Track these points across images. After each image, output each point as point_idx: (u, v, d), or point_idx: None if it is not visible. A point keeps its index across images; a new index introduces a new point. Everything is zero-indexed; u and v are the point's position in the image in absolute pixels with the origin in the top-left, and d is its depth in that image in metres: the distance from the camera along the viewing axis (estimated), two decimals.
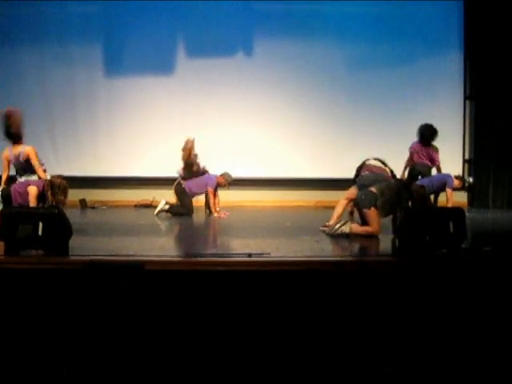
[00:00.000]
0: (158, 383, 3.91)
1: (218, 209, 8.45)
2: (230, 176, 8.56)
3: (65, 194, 6.07)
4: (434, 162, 8.59)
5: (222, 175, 8.55)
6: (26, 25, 9.91)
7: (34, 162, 6.20)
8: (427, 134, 8.49)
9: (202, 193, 8.58)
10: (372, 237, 5.84)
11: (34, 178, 6.32)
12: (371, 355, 3.96)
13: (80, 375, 3.84)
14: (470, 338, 4.02)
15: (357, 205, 6.05)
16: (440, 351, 3.97)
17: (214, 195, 8.51)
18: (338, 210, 6.31)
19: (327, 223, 6.24)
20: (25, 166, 6.27)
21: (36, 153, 6.32)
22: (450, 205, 8.05)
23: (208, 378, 3.86)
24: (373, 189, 5.92)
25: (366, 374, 3.89)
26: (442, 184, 8.32)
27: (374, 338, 4.01)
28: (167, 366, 3.90)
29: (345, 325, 4.04)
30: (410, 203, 5.93)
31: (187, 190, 8.41)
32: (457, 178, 8.59)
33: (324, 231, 6.14)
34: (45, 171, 6.40)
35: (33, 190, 5.99)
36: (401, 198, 5.86)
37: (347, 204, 6.31)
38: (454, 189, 8.48)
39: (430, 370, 3.91)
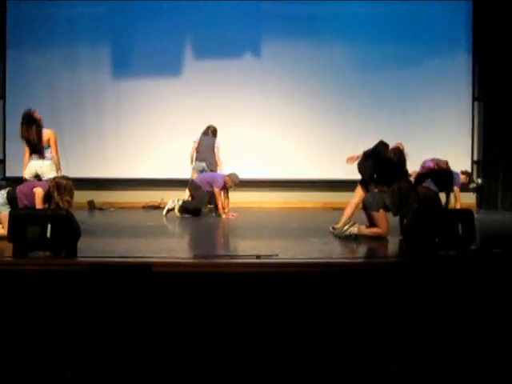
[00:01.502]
0: None
1: (226, 210, 8.45)
2: (236, 177, 8.53)
3: (71, 195, 6.06)
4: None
5: (228, 175, 8.54)
6: (33, 27, 9.96)
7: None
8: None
9: (208, 189, 8.53)
10: (380, 238, 5.83)
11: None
12: (377, 355, 3.95)
13: (84, 378, 3.84)
14: (479, 339, 4.00)
15: (365, 207, 6.04)
16: (448, 352, 3.95)
17: (226, 196, 8.52)
18: (348, 211, 6.30)
19: (335, 225, 6.23)
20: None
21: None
22: (458, 203, 7.98)
23: (218, 380, 3.85)
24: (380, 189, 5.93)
25: (371, 373, 3.88)
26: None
27: (382, 339, 4.00)
28: (173, 369, 3.90)
29: (352, 325, 4.03)
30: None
31: (199, 183, 8.42)
32: (463, 173, 8.50)
33: (333, 233, 6.13)
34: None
35: (39, 192, 5.99)
36: (408, 198, 5.85)
37: (357, 206, 6.29)
38: (463, 185, 8.38)
39: (437, 370, 3.89)
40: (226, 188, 8.52)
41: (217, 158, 9.07)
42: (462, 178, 8.41)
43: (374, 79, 10.00)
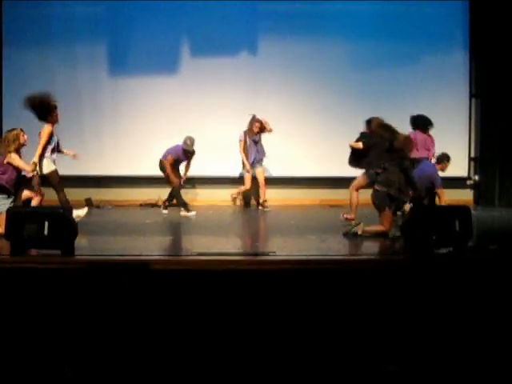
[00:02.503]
0: None
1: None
2: (189, 138, 8.57)
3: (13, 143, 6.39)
4: (429, 150, 8.25)
5: (184, 141, 8.57)
6: (31, 25, 9.91)
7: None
8: (422, 122, 8.35)
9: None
10: (382, 235, 5.85)
11: None
12: (376, 354, 3.95)
13: (84, 378, 3.84)
14: (476, 336, 4.01)
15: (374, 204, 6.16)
16: (447, 351, 3.96)
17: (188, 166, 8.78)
18: (353, 201, 6.68)
19: (348, 216, 6.65)
20: None
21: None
22: (442, 204, 7.35)
23: (215, 378, 3.86)
24: (377, 187, 5.97)
25: (369, 372, 3.89)
26: (430, 182, 7.32)
27: (379, 337, 4.00)
28: (172, 367, 3.90)
29: (351, 324, 4.03)
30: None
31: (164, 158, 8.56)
32: (438, 162, 7.63)
33: (347, 231, 6.14)
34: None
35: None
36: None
37: (358, 192, 6.68)
38: (443, 170, 7.59)
39: (436, 370, 3.90)
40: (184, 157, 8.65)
41: (239, 151, 9.21)
42: (439, 167, 7.55)
43: (372, 77, 9.99)
